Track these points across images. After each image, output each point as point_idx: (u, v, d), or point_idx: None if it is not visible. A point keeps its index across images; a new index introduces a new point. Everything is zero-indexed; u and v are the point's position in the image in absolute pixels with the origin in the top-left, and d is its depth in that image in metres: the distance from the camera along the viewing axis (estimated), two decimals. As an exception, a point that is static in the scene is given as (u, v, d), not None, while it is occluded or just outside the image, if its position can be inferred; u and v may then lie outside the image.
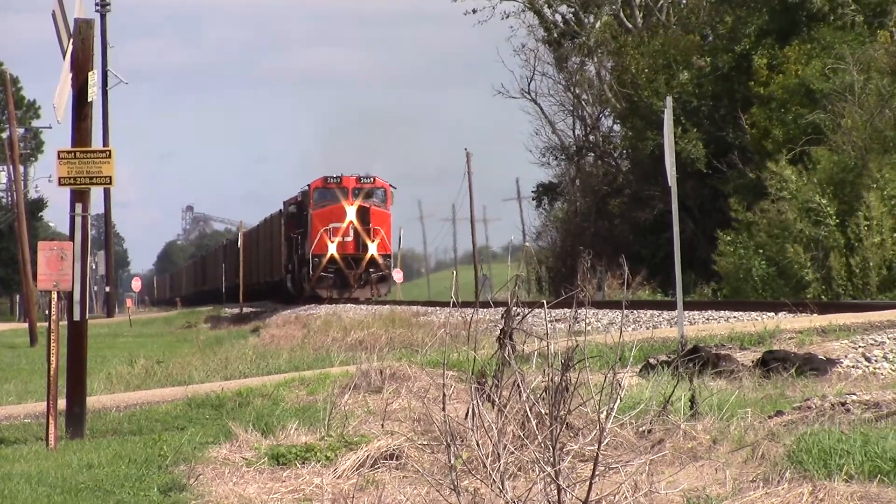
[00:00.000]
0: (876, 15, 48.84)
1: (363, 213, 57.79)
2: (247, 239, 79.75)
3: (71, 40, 15.41)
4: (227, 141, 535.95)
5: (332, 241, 57.72)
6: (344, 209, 57.84)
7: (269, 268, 72.08)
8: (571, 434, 10.20)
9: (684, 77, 51.91)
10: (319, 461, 11.69)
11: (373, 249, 57.85)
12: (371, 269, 57.89)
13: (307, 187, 59.47)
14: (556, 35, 62.70)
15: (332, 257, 57.85)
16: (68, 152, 15.41)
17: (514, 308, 11.00)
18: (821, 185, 39.86)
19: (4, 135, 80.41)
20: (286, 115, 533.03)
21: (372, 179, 58.68)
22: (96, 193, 16.03)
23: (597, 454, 8.82)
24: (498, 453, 9.30)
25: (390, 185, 59.49)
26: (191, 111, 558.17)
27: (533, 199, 68.63)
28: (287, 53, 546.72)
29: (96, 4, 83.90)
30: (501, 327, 11.11)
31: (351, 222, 57.70)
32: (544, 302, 10.29)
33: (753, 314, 25.16)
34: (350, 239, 57.79)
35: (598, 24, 61.18)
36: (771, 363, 16.88)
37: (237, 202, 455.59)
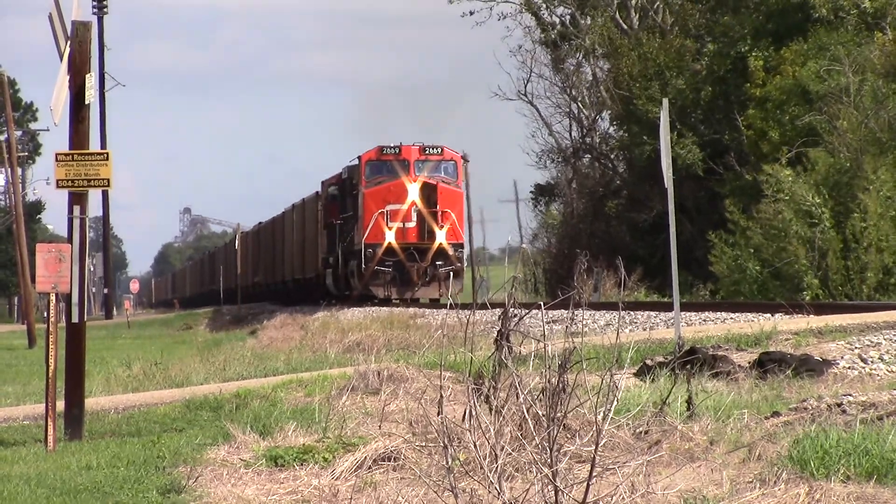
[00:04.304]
0: (876, 18, 48.88)
1: (429, 192, 46.24)
2: (266, 230, 73.53)
3: (68, 43, 15.43)
4: (227, 143, 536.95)
5: (390, 228, 45.99)
6: (405, 187, 46.16)
7: (300, 262, 60.10)
8: (568, 435, 10.23)
9: (679, 83, 51.86)
10: (317, 462, 11.72)
11: (441, 237, 46.15)
12: (439, 263, 46.20)
13: (357, 160, 47.78)
14: (553, 36, 62.57)
15: (389, 247, 45.98)
16: (66, 155, 15.43)
17: (512, 309, 11.03)
18: (816, 187, 39.86)
19: (2, 137, 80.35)
20: (286, 117, 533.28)
21: (440, 150, 47.15)
22: (94, 196, 16.08)
23: (594, 455, 8.85)
24: (495, 454, 9.33)
25: (462, 157, 48.27)
26: (190, 113, 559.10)
27: (531, 202, 68.56)
28: (292, 55, 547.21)
29: (94, 6, 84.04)
30: (499, 329, 11.13)
31: (414, 203, 46.12)
32: (541, 303, 10.31)
33: (750, 315, 25.12)
34: (413, 224, 46.21)
35: (594, 27, 61.09)
36: (767, 364, 16.92)
37: (235, 205, 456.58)
